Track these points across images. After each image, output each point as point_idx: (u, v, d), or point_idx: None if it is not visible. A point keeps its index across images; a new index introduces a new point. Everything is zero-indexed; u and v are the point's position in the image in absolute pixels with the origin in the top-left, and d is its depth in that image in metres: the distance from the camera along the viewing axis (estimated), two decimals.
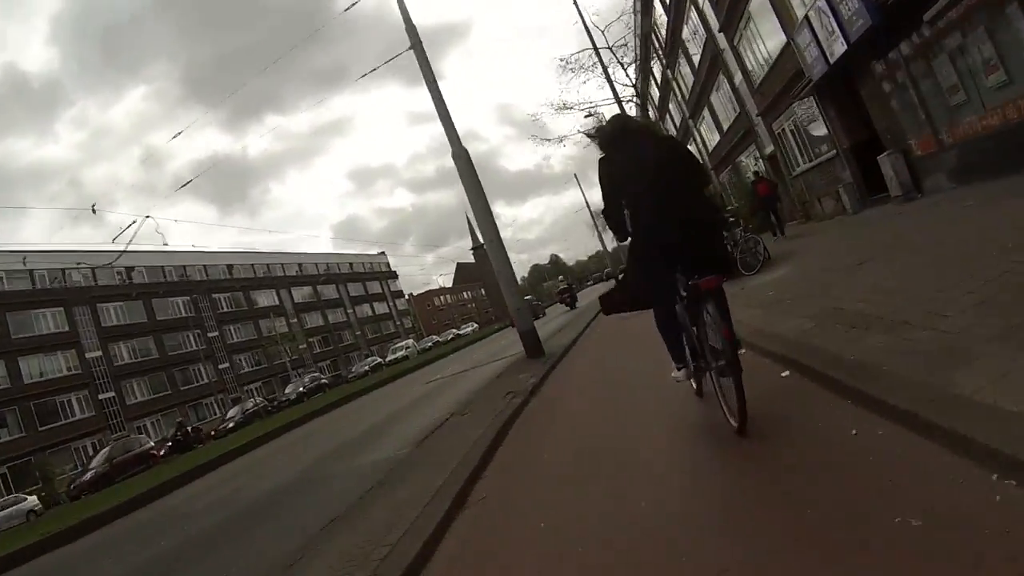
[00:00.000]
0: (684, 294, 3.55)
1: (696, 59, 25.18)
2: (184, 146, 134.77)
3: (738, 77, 20.73)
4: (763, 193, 17.10)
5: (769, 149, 20.76)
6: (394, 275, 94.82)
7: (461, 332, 68.99)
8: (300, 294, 71.77)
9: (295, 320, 67.78)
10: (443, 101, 11.88)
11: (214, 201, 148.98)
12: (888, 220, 10.84)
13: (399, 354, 53.54)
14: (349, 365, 64.12)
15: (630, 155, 3.67)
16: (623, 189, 3.66)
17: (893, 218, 10.77)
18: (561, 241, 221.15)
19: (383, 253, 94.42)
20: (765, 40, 17.20)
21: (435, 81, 11.93)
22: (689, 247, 3.44)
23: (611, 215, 3.81)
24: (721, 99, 24.86)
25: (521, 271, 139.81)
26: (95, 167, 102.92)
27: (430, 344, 59.43)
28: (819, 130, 16.02)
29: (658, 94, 36.99)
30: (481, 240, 11.67)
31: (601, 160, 3.87)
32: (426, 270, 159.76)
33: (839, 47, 11.70)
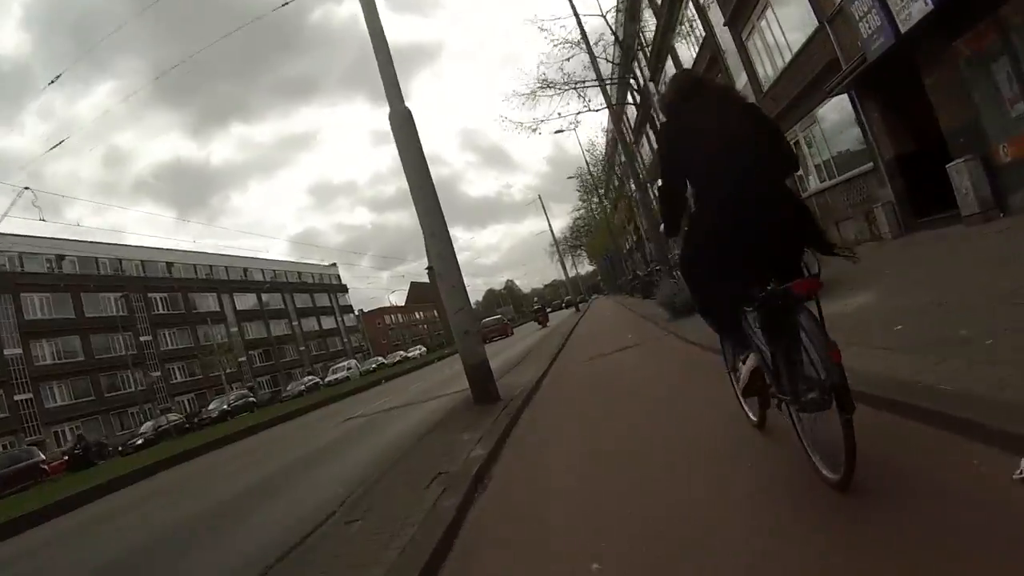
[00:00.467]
0: (755, 304, 2.69)
1: (688, 65, 22.44)
2: (147, 147, 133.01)
3: (742, 79, 17.95)
4: None
5: None
6: (344, 288, 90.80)
7: (409, 354, 65.24)
8: (243, 301, 67.30)
9: (235, 329, 63.39)
10: (383, 38, 8.63)
11: (174, 204, 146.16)
12: (977, 242, 7.92)
13: (339, 375, 49.64)
14: (290, 381, 59.83)
15: (704, 119, 2.88)
16: (691, 161, 2.86)
17: (984, 240, 7.85)
18: (518, 267, 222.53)
19: (334, 265, 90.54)
20: (786, 31, 14.46)
21: (375, 10, 8.67)
22: (776, 242, 2.65)
23: (671, 193, 3.04)
24: None
25: (476, 295, 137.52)
26: (57, 160, 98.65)
27: (374, 365, 55.53)
28: (850, 138, 13.22)
29: (635, 114, 34.40)
30: (424, 238, 8.28)
31: (664, 124, 3.19)
32: (376, 285, 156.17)
33: (918, 8, 8.78)
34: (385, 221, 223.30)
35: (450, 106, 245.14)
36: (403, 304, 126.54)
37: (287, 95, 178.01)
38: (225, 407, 38.49)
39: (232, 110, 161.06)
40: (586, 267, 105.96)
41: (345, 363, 55.32)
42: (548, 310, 49.85)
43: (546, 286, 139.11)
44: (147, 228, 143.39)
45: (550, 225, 50.65)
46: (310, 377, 52.54)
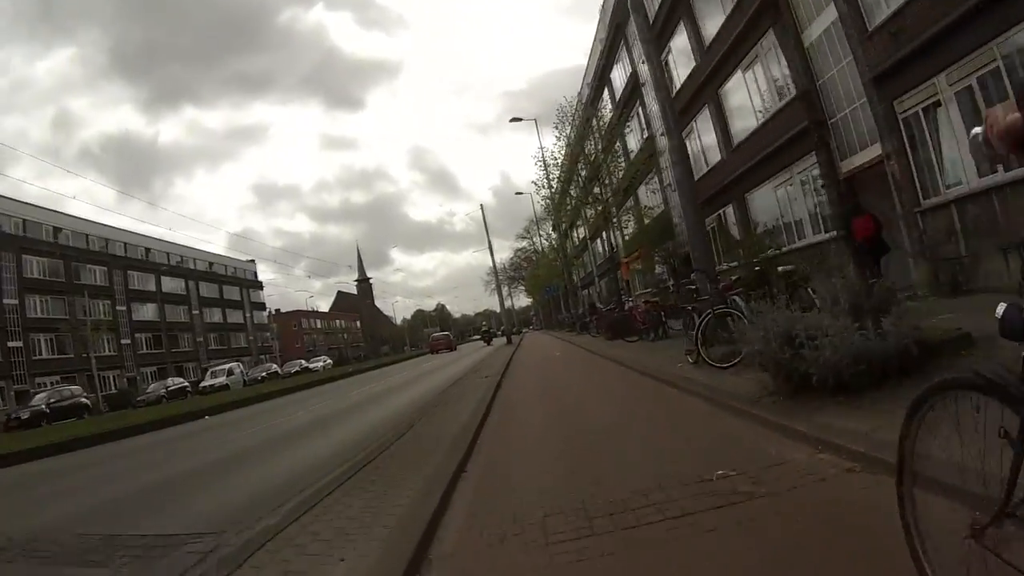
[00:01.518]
0: None
1: None
2: (97, 117, 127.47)
3: None
4: (864, 234, 8.91)
5: (871, 152, 11.34)
6: (259, 284, 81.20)
7: (311, 366, 55.85)
8: (140, 282, 57.98)
9: (124, 308, 53.69)
10: None
11: (117, 180, 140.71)
12: None
13: (218, 379, 40.24)
14: (181, 375, 49.98)
15: None
16: None
17: None
18: (450, 293, 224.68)
19: (252, 261, 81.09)
20: None
21: None
22: None
23: None
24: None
25: (405, 313, 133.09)
26: (4, 118, 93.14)
27: (263, 374, 46.51)
28: None
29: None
30: None
31: None
32: (306, 291, 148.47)
33: None
34: (325, 233, 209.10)
35: (403, 124, 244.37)
36: (326, 311, 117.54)
37: (242, 87, 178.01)
38: (44, 408, 29.00)
39: (185, 92, 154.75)
40: (521, 301, 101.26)
41: (227, 366, 45.06)
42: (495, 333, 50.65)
43: (477, 314, 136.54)
44: (87, 199, 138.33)
45: (490, 244, 43.19)
46: (177, 380, 42.67)
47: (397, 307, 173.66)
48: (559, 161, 25.52)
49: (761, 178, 15.65)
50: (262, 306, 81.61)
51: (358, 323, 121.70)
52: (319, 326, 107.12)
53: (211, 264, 71.70)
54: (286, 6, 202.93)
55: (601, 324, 20.13)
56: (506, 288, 70.42)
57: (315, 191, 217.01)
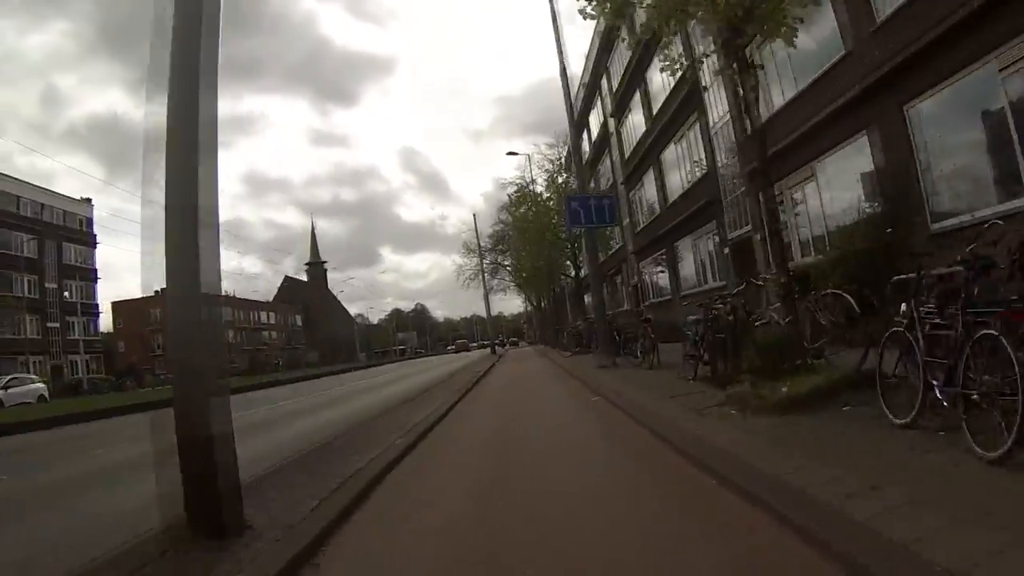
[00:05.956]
0: None
1: None
2: (86, 95, 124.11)
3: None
4: None
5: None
6: (91, 240, 52.64)
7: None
8: None
9: None
10: None
11: (105, 161, 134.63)
12: None
13: None
14: None
15: None
16: None
17: None
18: (438, 297, 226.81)
19: (88, 200, 52.56)
20: None
21: None
22: None
23: None
24: None
25: (379, 314, 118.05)
26: None
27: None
28: None
29: None
30: None
31: None
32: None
33: None
34: (316, 226, 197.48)
35: (394, 123, 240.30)
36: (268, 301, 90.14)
37: (232, 73, 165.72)
38: None
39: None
40: (515, 304, 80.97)
41: None
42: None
43: (461, 319, 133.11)
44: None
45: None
46: None
47: (385, 308, 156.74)
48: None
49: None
50: (91, 274, 52.85)
51: (297, 319, 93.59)
52: (231, 316, 78.31)
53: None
54: None
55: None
56: (471, 283, 44.41)
57: (306, 185, 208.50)
